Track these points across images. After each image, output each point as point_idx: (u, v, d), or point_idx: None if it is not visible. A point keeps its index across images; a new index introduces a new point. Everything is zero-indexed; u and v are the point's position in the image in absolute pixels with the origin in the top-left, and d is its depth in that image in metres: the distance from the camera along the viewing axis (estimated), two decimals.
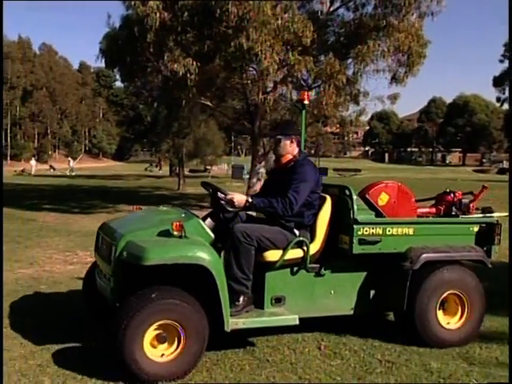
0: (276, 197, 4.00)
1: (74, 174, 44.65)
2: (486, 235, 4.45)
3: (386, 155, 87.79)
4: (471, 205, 4.59)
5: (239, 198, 4.00)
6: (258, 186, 15.95)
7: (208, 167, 37.24)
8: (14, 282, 6.13)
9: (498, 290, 5.51)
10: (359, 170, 39.08)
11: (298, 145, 4.28)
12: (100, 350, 3.97)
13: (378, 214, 4.36)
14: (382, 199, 4.34)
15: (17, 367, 3.71)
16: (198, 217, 4.05)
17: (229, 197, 4.00)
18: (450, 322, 4.37)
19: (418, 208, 4.61)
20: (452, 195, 4.76)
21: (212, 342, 3.77)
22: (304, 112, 4.99)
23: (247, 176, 22.66)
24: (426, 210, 4.80)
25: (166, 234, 3.71)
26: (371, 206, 4.36)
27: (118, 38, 16.31)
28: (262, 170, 21.71)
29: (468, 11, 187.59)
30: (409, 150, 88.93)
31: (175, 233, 3.65)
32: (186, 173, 33.16)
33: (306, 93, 4.90)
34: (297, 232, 4.07)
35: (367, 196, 4.35)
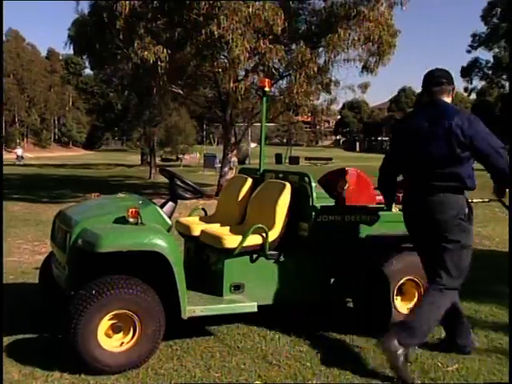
0: None
1: (22, 163, 41.72)
2: None
3: (357, 144, 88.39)
4: None
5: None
6: (230, 175, 15.92)
7: (180, 156, 36.99)
8: None
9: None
10: (330, 159, 39.29)
11: None
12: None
13: (338, 201, 4.38)
14: (341, 186, 4.35)
15: None
16: (155, 204, 4.01)
17: None
18: (408, 307, 4.42)
19: (378, 195, 4.63)
20: None
21: (182, 330, 3.75)
22: (265, 99, 4.97)
23: (219, 165, 22.61)
24: None
25: (121, 221, 3.66)
26: (331, 194, 4.37)
27: (87, 25, 16.06)
28: (234, 159, 21.70)
29: (436, 1, 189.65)
30: (379, 138, 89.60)
31: (131, 219, 3.61)
32: (158, 162, 32.92)
33: (266, 80, 4.86)
34: None
35: (326, 183, 4.36)
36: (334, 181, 4.38)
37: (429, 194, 3.59)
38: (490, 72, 38.73)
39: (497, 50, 38.11)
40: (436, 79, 3.75)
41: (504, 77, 38.33)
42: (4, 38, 76.22)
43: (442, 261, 3.60)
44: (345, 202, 4.37)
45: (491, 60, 38.24)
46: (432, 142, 3.54)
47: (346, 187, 4.35)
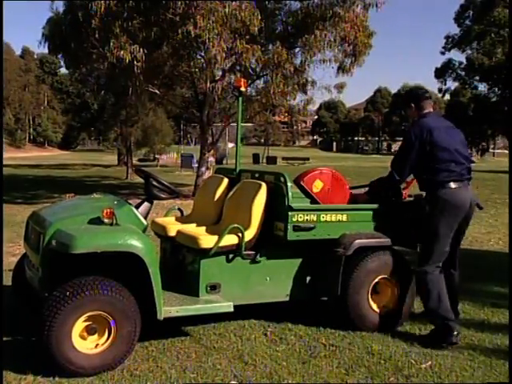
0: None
1: None
2: (418, 220, 4.57)
3: (334, 144, 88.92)
4: (404, 192, 4.68)
5: None
6: (207, 175, 15.87)
7: (157, 156, 36.77)
8: None
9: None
10: (308, 159, 39.43)
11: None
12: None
13: (313, 201, 4.41)
14: (317, 186, 4.39)
15: None
16: (130, 204, 3.99)
17: None
18: (383, 305, 4.47)
19: (352, 196, 4.68)
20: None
21: (159, 331, 3.74)
22: (241, 99, 4.98)
23: (197, 165, 22.52)
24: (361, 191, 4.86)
25: (96, 221, 3.64)
26: (306, 193, 4.40)
27: (62, 23, 15.83)
28: (211, 159, 21.65)
29: (411, 3, 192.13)
30: (356, 138, 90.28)
31: (106, 220, 3.59)
32: (135, 162, 32.67)
33: (242, 80, 4.87)
34: None
35: (302, 183, 4.39)
36: (309, 181, 4.40)
37: (469, 183, 4.33)
38: (463, 73, 39.29)
39: (469, 51, 38.69)
40: (427, 93, 4.61)
41: (477, 78, 38.93)
42: None
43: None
44: (320, 201, 4.40)
45: (464, 61, 38.82)
46: (461, 144, 4.36)
47: (320, 187, 4.38)
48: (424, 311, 4.43)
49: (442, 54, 40.16)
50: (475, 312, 4.88)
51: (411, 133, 4.29)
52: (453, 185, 4.18)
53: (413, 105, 4.46)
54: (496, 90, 38.89)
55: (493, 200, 14.60)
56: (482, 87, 40.17)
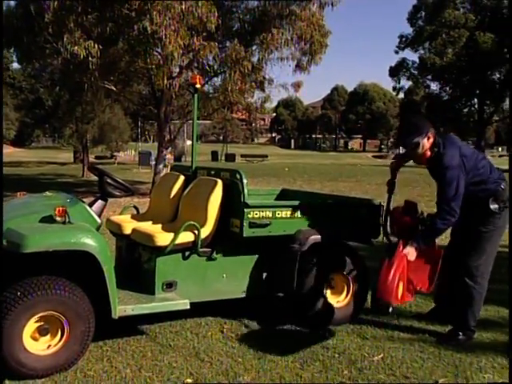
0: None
1: None
2: (371, 216, 4.67)
3: (292, 141, 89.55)
4: None
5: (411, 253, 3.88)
6: (164, 173, 15.72)
7: (114, 153, 36.20)
8: None
9: None
10: (266, 156, 39.65)
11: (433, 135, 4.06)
12: None
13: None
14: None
15: None
16: (84, 202, 3.93)
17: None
18: (338, 300, 4.56)
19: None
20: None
21: (114, 330, 3.73)
22: (196, 96, 4.96)
23: (154, 162, 22.29)
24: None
25: (48, 220, 3.57)
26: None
27: (14, 17, 15.39)
28: (169, 157, 21.48)
29: (366, 3, 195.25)
30: (314, 136, 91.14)
31: (58, 218, 3.52)
32: (92, 159, 32.09)
33: (197, 76, 4.85)
34: None
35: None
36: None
37: None
38: (416, 72, 40.23)
39: (422, 51, 39.68)
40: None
41: (429, 77, 39.90)
42: None
43: None
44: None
45: (417, 61, 39.74)
46: None
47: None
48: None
49: (396, 53, 41.10)
50: (426, 305, 5.02)
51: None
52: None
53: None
54: (447, 89, 39.99)
55: None
56: (434, 86, 41.25)
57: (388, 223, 4.34)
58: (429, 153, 4.08)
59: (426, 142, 4.03)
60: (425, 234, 4.01)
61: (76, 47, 12.74)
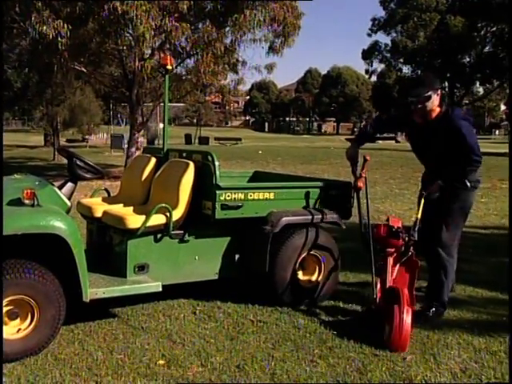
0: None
1: None
2: (343, 198, 4.72)
3: (266, 124, 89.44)
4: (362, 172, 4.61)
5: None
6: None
7: (86, 137, 35.64)
8: None
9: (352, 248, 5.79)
10: (240, 139, 39.50)
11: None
12: None
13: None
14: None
15: None
16: (53, 184, 3.87)
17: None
18: (310, 280, 4.60)
19: None
20: None
21: (86, 313, 3.72)
22: (167, 77, 4.91)
23: (127, 145, 22.05)
24: None
25: (16, 202, 3.51)
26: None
27: None
28: (142, 139, 21.24)
29: None
30: (287, 119, 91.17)
31: (26, 201, 3.47)
32: (63, 143, 31.55)
33: (168, 57, 4.80)
34: None
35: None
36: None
37: None
38: (389, 55, 40.44)
39: (394, 34, 39.84)
40: None
41: (401, 60, 40.14)
42: None
43: None
44: None
45: (389, 44, 39.91)
46: None
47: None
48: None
49: (369, 35, 41.16)
50: None
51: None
52: None
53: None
54: (419, 72, 40.29)
55: (415, 178, 15.21)
56: (406, 69, 41.53)
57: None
58: (438, 109, 4.15)
59: (436, 98, 4.10)
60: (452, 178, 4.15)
61: (44, 27, 12.46)
